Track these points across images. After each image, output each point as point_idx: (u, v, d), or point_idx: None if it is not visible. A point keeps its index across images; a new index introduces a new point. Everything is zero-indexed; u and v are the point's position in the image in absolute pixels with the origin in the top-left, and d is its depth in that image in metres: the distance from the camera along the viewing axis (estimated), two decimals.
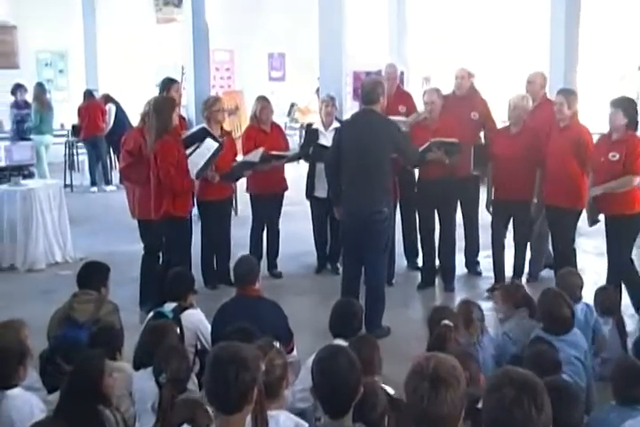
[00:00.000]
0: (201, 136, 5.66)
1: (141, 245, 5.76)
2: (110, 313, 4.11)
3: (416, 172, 6.49)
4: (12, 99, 11.20)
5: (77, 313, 4.04)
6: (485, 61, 14.31)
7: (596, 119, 5.63)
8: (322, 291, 6.20)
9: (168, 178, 5.21)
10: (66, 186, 10.59)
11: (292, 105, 15.43)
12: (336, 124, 6.50)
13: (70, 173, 11.49)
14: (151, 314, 4.21)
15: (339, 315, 3.88)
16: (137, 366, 3.60)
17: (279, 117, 11.99)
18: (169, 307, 4.16)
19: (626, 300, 5.28)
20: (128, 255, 6.53)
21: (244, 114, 9.25)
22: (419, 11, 13.88)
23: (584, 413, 2.99)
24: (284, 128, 10.43)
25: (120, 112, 11.49)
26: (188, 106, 8.98)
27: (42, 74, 13.92)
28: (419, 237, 6.56)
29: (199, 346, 4.08)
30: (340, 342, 3.56)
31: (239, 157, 6.54)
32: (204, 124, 6.01)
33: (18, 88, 11.19)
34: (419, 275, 6.52)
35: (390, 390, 3.07)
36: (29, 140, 10.58)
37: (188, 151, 5.52)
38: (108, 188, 11.48)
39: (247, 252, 6.24)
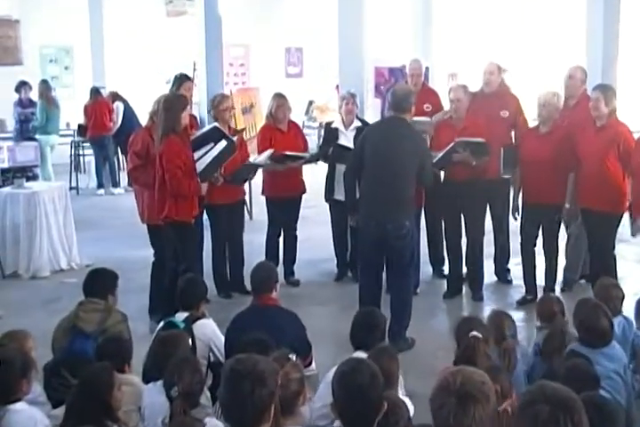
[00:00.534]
0: (214, 136, 5.68)
1: (151, 251, 5.80)
2: (118, 323, 4.13)
3: (442, 174, 6.47)
4: (16, 97, 11.31)
5: (83, 323, 4.07)
6: (516, 56, 14.25)
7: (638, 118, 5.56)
8: (342, 300, 6.19)
9: (175, 180, 5.23)
10: (71, 188, 10.69)
11: (310, 103, 15.46)
12: (357, 123, 6.51)
13: (76, 174, 11.58)
14: (162, 324, 4.23)
15: (360, 325, 3.88)
16: (147, 380, 3.62)
17: (297, 116, 12.02)
18: (180, 317, 4.18)
19: None
20: (137, 262, 6.57)
21: (259, 112, 9.27)
22: (445, 2, 13.85)
23: None
24: (301, 127, 10.52)
25: (128, 111, 11.57)
26: (199, 104, 9.03)
27: (46, 70, 14.05)
28: (445, 243, 6.54)
29: (212, 358, 4.09)
30: (362, 354, 3.56)
31: (251, 159, 6.57)
32: (216, 124, 6.03)
33: (22, 85, 11.29)
34: (445, 283, 6.50)
35: (409, 405, 3.07)
36: (34, 140, 10.68)
37: (201, 152, 5.53)
38: (116, 190, 11.53)
39: (263, 258, 6.23)
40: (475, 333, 3.54)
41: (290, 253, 6.81)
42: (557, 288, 6.24)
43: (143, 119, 7.01)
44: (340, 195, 6.58)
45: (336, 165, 6.56)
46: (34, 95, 11.33)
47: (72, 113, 12.17)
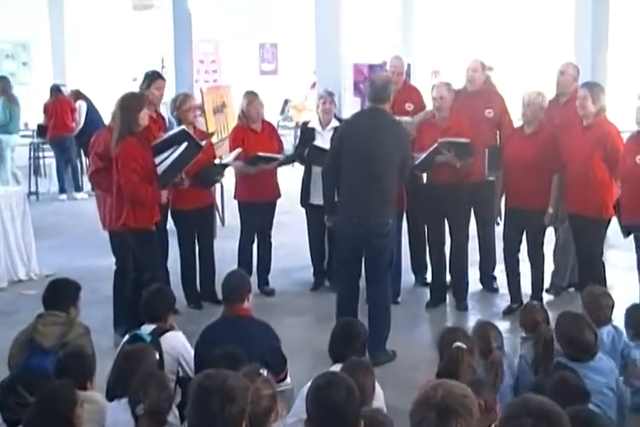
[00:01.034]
0: (181, 140, 5.66)
1: (113, 260, 5.77)
2: (80, 337, 4.11)
3: (424, 176, 6.50)
4: None
5: (43, 337, 4.04)
6: (502, 53, 14.39)
7: (628, 118, 5.61)
8: (319, 310, 6.20)
9: (130, 185, 5.23)
10: (30, 193, 10.59)
11: (286, 101, 15.48)
12: (335, 123, 6.53)
13: (35, 178, 11.46)
14: (127, 337, 4.21)
15: (339, 337, 3.89)
16: (110, 397, 3.60)
17: (271, 116, 12.03)
18: (147, 329, 4.16)
19: None
20: (101, 271, 6.53)
21: (231, 112, 9.26)
22: None
23: None
24: (276, 127, 10.52)
25: (92, 110, 11.49)
26: (167, 104, 9.00)
27: (2, 67, 13.93)
28: (427, 249, 6.58)
29: (181, 373, 4.08)
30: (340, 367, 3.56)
31: (217, 161, 6.57)
32: (184, 126, 6.02)
33: None
34: (427, 292, 6.53)
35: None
36: None
37: (162, 156, 5.51)
38: (79, 195, 11.45)
39: (235, 266, 6.21)
40: (458, 344, 3.56)
41: (264, 261, 6.81)
42: (545, 296, 6.28)
43: (108, 119, 6.98)
44: (316, 199, 6.59)
45: (312, 168, 6.58)
46: None
47: (30, 112, 12.05)
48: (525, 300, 6.05)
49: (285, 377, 4.07)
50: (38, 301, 4.33)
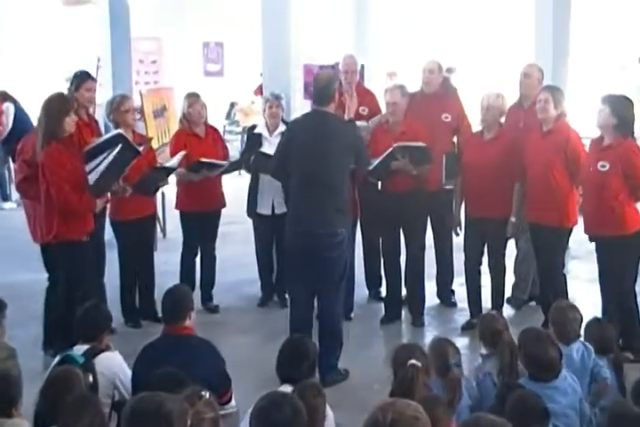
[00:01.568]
0: (115, 144, 5.61)
1: (46, 274, 5.70)
2: (5, 359, 4.05)
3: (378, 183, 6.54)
4: None
5: None
6: (461, 53, 14.57)
7: (590, 122, 5.72)
8: (267, 327, 6.21)
9: (61, 195, 5.19)
10: None
11: (232, 105, 15.44)
12: (283, 128, 6.53)
13: None
14: (58, 359, 4.16)
15: (287, 356, 3.89)
16: (39, 425, 3.55)
17: (216, 120, 11.97)
18: (80, 350, 4.12)
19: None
20: (31, 287, 6.44)
21: (173, 115, 9.23)
22: None
23: None
24: (222, 132, 10.49)
25: (20, 113, 11.29)
26: (103, 106, 8.92)
27: None
28: (382, 261, 6.61)
29: (117, 397, 4.05)
30: (289, 388, 3.57)
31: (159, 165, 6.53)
32: (120, 130, 5.97)
33: None
34: (382, 307, 6.57)
35: None
36: None
37: (96, 162, 5.46)
38: (7, 205, 11.30)
39: (177, 281, 6.19)
40: (413, 361, 3.58)
41: (207, 276, 6.79)
42: (505, 310, 6.36)
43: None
44: (264, 209, 6.61)
45: (259, 176, 6.58)
46: None
47: None
48: None
49: (230, 400, 4.07)
50: None
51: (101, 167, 5.46)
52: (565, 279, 5.99)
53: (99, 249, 6.04)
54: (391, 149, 5.94)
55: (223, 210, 6.75)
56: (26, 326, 5.62)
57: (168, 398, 2.47)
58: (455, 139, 6.74)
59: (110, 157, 5.49)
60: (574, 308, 4.51)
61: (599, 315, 5.30)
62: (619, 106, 5.35)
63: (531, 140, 5.87)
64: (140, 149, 5.84)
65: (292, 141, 5.35)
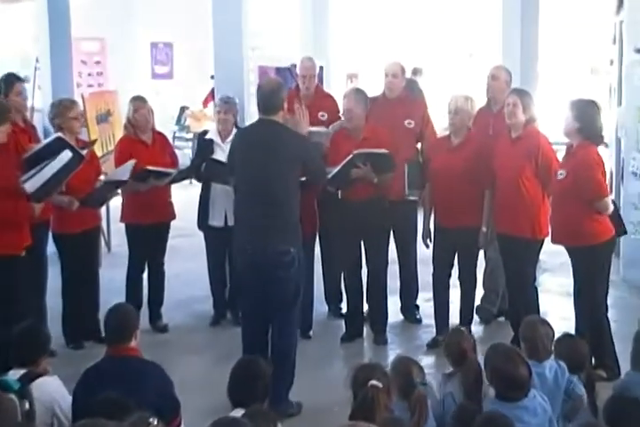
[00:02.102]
0: (56, 149, 5.58)
1: None
2: None
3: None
4: None
5: None
6: (426, 53, 14.70)
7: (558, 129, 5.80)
8: (219, 347, 6.20)
9: None
10: None
11: (183, 109, 15.40)
12: None
13: None
14: None
15: (239, 378, 3.88)
16: None
17: (166, 125, 11.94)
18: (15, 374, 4.07)
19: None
20: None
21: (118, 121, 9.18)
22: None
23: None
24: (171, 139, 10.47)
25: None
26: (44, 110, 8.86)
27: None
28: (342, 275, 6.64)
29: (56, 425, 4.01)
30: (241, 412, 3.57)
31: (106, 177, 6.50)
32: (60, 134, 5.93)
33: None
34: (342, 324, 6.59)
35: None
36: None
37: (36, 169, 5.42)
38: None
39: (123, 299, 6.17)
40: (374, 382, 3.60)
41: (156, 293, 6.76)
42: (473, 328, 6.42)
43: None
44: (216, 221, 6.60)
45: (211, 185, 6.58)
46: None
47: None
48: None
49: (179, 425, 4.04)
50: None
51: (46, 173, 5.42)
52: (537, 293, 6.06)
53: (39, 264, 5.99)
54: (351, 156, 5.95)
55: (172, 222, 6.74)
56: None
57: (111, 425, 2.45)
58: (419, 146, 6.80)
59: (59, 164, 5.45)
60: (545, 323, 4.56)
61: (572, 330, 5.38)
62: (582, 110, 5.43)
63: (499, 147, 5.92)
64: (84, 152, 5.81)
65: (236, 153, 5.34)
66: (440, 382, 4.42)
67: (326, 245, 6.78)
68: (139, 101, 6.55)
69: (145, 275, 6.75)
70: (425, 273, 6.55)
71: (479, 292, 6.64)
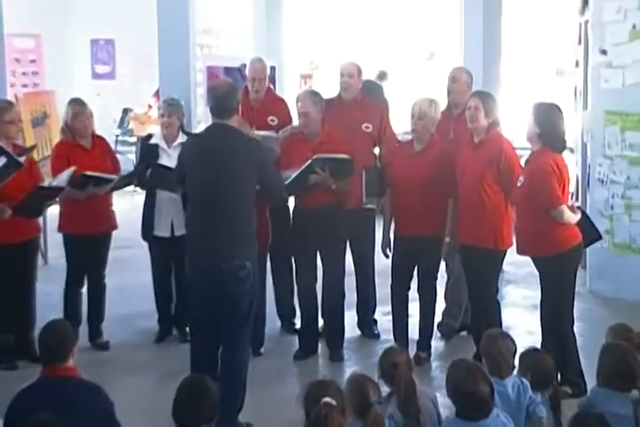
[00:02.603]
0: None
1: None
2: None
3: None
4: None
5: None
6: (386, 56, 14.81)
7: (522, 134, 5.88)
8: (164, 366, 6.18)
9: None
10: None
11: (126, 111, 15.33)
12: (182, 138, 6.54)
13: None
14: None
15: (185, 398, 3.87)
16: None
17: (107, 129, 11.89)
18: None
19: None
20: None
21: (55, 123, 9.12)
22: None
23: None
24: (113, 143, 10.41)
25: None
26: None
27: None
28: (296, 288, 6.65)
29: None
30: None
31: (46, 182, 6.44)
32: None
33: None
34: (296, 340, 6.61)
35: None
36: None
37: None
38: None
39: (60, 315, 6.13)
40: (327, 399, 3.61)
41: (96, 308, 6.72)
42: (433, 343, 6.49)
43: None
44: (161, 231, 6.58)
45: (157, 193, 6.56)
46: None
47: None
48: (412, 346, 6.22)
49: None
50: None
51: None
52: (499, 306, 6.13)
53: None
54: (309, 161, 5.98)
55: (114, 232, 6.71)
56: None
57: None
58: (377, 151, 6.85)
59: None
60: (507, 337, 4.61)
61: (538, 345, 5.44)
62: (543, 114, 5.49)
63: (461, 153, 5.98)
64: (22, 159, 5.75)
65: (187, 160, 5.32)
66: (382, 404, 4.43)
67: (278, 257, 6.78)
68: (77, 105, 6.50)
69: (84, 289, 6.69)
70: (383, 285, 6.58)
71: (441, 305, 6.69)
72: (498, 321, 5.95)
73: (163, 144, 6.65)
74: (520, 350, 4.65)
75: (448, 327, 6.82)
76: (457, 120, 6.40)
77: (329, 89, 7.04)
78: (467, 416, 3.86)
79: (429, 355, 6.31)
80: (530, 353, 4.68)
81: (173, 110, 6.64)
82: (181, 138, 6.58)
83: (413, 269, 6.29)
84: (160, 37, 7.68)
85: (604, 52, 7.77)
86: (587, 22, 8.39)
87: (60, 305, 6.54)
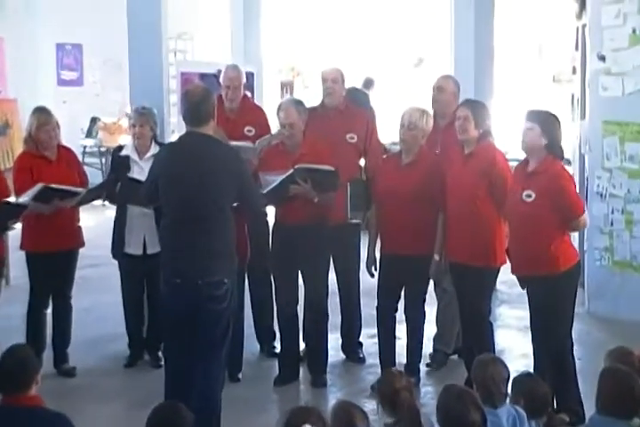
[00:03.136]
0: None
1: None
2: None
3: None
4: None
5: None
6: (372, 62, 14.88)
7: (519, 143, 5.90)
8: (135, 394, 6.16)
9: None
10: None
11: (94, 120, 15.32)
12: (155, 150, 6.52)
13: None
14: None
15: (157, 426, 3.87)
16: None
17: (74, 139, 11.87)
18: None
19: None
20: None
21: (18, 133, 9.12)
22: None
23: None
24: (80, 154, 10.41)
25: None
26: None
27: None
28: (276, 309, 6.65)
29: None
30: None
31: (12, 198, 6.44)
32: None
33: None
34: (276, 365, 6.58)
35: None
36: None
37: None
38: None
39: (22, 339, 6.11)
40: (308, 426, 3.61)
41: (62, 331, 6.68)
42: (422, 368, 6.50)
43: None
44: (133, 248, 6.57)
45: (128, 208, 6.55)
46: None
47: None
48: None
49: None
50: None
51: None
52: (492, 328, 6.13)
53: None
54: (291, 170, 5.98)
55: (81, 250, 6.69)
56: None
57: None
58: (362, 163, 6.87)
59: None
60: (499, 362, 4.62)
61: (531, 369, 5.46)
62: (549, 124, 5.51)
63: (451, 165, 6.00)
64: None
65: (161, 171, 5.30)
66: None
67: (256, 276, 6.78)
68: (43, 115, 6.48)
69: (49, 311, 6.66)
70: (369, 306, 6.57)
71: (431, 329, 6.69)
72: (491, 344, 5.95)
73: (134, 156, 6.64)
74: (514, 375, 4.68)
75: (440, 355, 6.75)
76: (444, 132, 6.39)
77: (311, 97, 7.04)
78: None
79: (418, 380, 6.29)
80: (523, 378, 4.70)
81: (145, 120, 6.63)
82: (154, 149, 6.55)
83: (401, 289, 6.28)
84: (131, 42, 7.69)
85: (602, 58, 7.81)
86: (584, 26, 8.43)
87: (22, 329, 6.51)
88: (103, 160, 14.05)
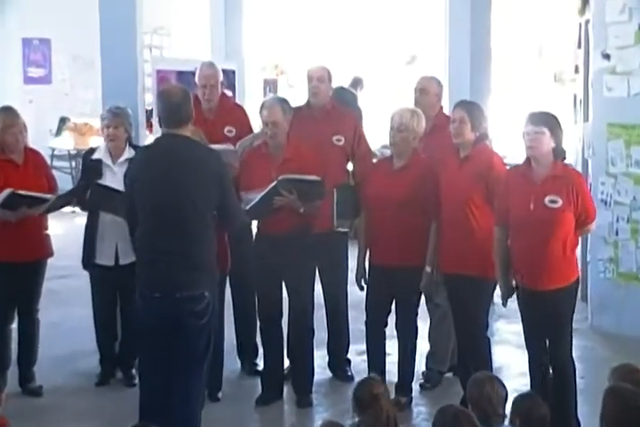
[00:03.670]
0: None
1: None
2: None
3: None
4: None
5: None
6: (361, 59, 14.91)
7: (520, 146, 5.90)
8: (107, 414, 6.16)
9: None
10: None
11: (63, 121, 15.29)
12: (130, 153, 6.52)
13: None
14: None
15: None
16: None
17: (42, 141, 11.85)
18: None
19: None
20: None
21: None
22: None
23: None
24: (48, 157, 10.37)
25: None
26: None
27: None
28: (258, 323, 6.66)
29: None
30: None
31: None
32: None
33: None
34: (259, 384, 6.58)
35: None
36: None
37: None
38: None
39: None
40: None
41: (28, 347, 6.66)
42: (415, 387, 6.50)
43: None
44: (104, 258, 6.56)
45: (99, 215, 6.55)
46: None
47: None
48: (391, 390, 6.21)
49: None
50: None
51: None
52: (489, 343, 6.16)
53: None
54: (274, 183, 5.98)
55: (49, 260, 6.68)
56: None
57: None
58: (350, 167, 6.89)
59: None
60: (496, 381, 4.65)
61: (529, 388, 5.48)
62: (556, 127, 5.51)
63: (445, 170, 6.01)
64: None
65: (137, 176, 5.31)
66: None
67: (239, 288, 6.80)
68: (9, 116, 6.45)
69: (14, 325, 6.65)
70: (358, 321, 6.59)
71: (424, 346, 6.70)
72: (488, 361, 5.97)
73: (107, 160, 6.64)
74: (513, 394, 4.70)
75: (434, 374, 6.75)
76: (427, 137, 6.36)
77: (296, 97, 7.06)
78: None
79: (410, 400, 6.31)
80: (522, 399, 4.69)
81: (119, 121, 6.62)
82: (129, 153, 6.55)
83: (391, 303, 6.30)
84: (103, 37, 7.66)
85: (606, 57, 7.81)
86: (587, 23, 8.44)
87: None
88: (73, 164, 14.02)
